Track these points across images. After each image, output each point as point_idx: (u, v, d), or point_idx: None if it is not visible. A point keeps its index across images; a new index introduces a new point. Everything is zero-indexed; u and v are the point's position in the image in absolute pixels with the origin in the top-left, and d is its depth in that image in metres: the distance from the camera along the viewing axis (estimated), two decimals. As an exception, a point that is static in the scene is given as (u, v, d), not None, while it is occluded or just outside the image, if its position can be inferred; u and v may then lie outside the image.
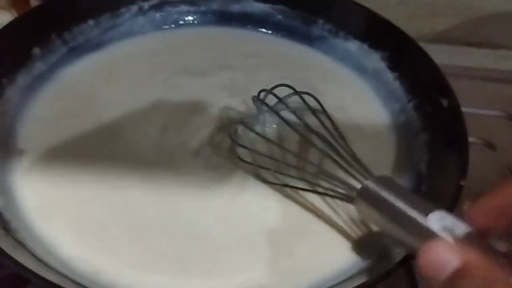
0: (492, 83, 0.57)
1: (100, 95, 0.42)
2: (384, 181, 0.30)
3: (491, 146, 0.49)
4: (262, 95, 0.38)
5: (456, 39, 0.64)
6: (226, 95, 0.43)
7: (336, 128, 0.36)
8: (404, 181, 0.37)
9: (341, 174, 0.33)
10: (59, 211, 0.34)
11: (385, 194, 0.29)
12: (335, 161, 0.33)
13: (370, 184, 0.30)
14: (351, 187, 0.31)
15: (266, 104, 0.38)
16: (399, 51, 0.44)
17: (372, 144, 0.41)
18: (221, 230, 0.34)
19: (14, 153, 0.37)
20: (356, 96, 0.45)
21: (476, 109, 0.52)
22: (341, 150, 0.34)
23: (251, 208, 0.35)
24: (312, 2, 0.48)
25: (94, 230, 0.33)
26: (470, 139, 0.48)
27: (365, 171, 0.32)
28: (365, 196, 0.30)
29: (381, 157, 0.40)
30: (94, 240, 0.33)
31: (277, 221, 0.35)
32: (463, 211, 0.35)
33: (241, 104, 0.42)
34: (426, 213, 0.26)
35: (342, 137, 0.35)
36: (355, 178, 0.32)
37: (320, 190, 0.34)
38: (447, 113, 0.38)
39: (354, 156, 0.33)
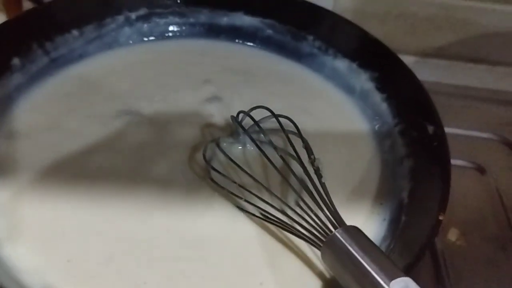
0: (487, 104, 0.56)
1: (78, 109, 0.41)
2: (354, 234, 0.28)
3: (481, 169, 0.47)
4: (240, 116, 0.37)
5: (455, 55, 0.63)
6: (209, 111, 0.42)
7: (312, 160, 0.34)
8: (384, 209, 0.36)
9: (312, 212, 0.32)
10: (26, 230, 0.33)
11: (352, 248, 0.27)
12: (307, 199, 0.32)
13: (339, 235, 0.28)
14: (320, 231, 0.30)
15: (242, 127, 0.37)
16: (389, 72, 0.42)
17: (355, 167, 0.40)
18: (192, 254, 0.33)
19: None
20: (342, 116, 0.43)
21: (468, 131, 0.51)
22: (313, 189, 0.32)
23: (220, 231, 0.34)
24: (303, 18, 0.47)
25: (64, 250, 0.32)
26: (461, 162, 0.48)
27: (337, 217, 0.30)
28: (332, 247, 0.28)
29: (364, 181, 0.38)
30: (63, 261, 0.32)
31: (247, 247, 0.33)
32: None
33: (223, 121, 0.41)
34: (390, 278, 0.25)
35: (318, 173, 0.33)
36: (325, 221, 0.30)
37: (288, 226, 0.32)
38: (432, 140, 0.36)
39: (327, 196, 0.32)
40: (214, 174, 0.36)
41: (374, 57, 0.44)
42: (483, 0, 0.57)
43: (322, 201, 0.31)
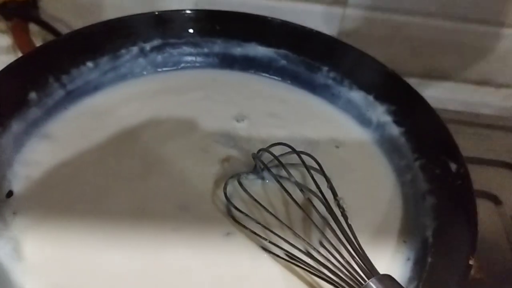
0: (498, 131, 0.55)
1: (93, 141, 0.40)
2: (387, 283, 0.27)
3: (496, 200, 0.47)
4: (260, 153, 0.36)
5: (459, 77, 0.63)
6: (227, 144, 0.41)
7: (338, 201, 0.33)
8: (408, 248, 0.35)
9: (340, 255, 0.30)
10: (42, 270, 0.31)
11: None
12: (333, 240, 0.31)
13: (374, 286, 0.27)
14: (352, 278, 0.29)
15: (265, 165, 0.36)
16: (407, 106, 0.41)
17: (376, 203, 0.39)
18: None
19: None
20: (359, 149, 0.42)
21: (481, 159, 0.51)
22: (340, 231, 0.31)
23: (240, 270, 0.33)
24: (317, 49, 0.46)
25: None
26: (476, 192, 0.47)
27: (368, 263, 0.29)
28: None
29: (385, 218, 0.37)
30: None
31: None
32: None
33: (242, 154, 0.40)
34: None
35: (345, 214, 0.32)
36: (354, 266, 0.29)
37: (315, 269, 0.31)
38: (456, 179, 0.36)
39: (355, 239, 0.31)
40: (235, 211, 0.34)
41: (391, 90, 0.43)
42: (487, 24, 0.57)
43: (350, 244, 0.30)
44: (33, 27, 0.59)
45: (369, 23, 0.58)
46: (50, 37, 0.59)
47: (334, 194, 0.33)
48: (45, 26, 0.59)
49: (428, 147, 0.39)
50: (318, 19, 0.57)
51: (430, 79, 0.64)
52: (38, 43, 0.60)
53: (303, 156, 0.36)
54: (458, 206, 0.34)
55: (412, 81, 0.63)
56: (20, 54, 0.55)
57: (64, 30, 0.60)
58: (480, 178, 0.48)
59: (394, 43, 0.60)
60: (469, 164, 0.49)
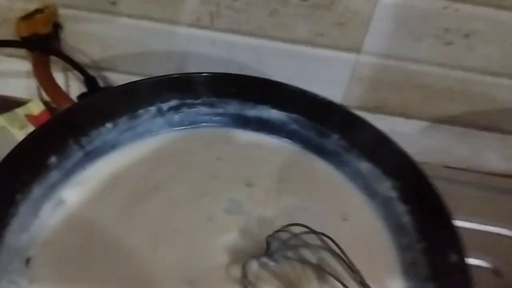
0: (503, 195, 0.55)
1: (105, 206, 0.41)
2: None
3: (497, 272, 0.47)
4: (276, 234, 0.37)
5: (468, 123, 0.63)
6: (234, 213, 0.42)
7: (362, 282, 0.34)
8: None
9: None
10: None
11: None
12: None
13: None
14: None
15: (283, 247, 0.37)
16: (412, 185, 0.42)
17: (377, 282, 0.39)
18: None
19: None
20: (365, 223, 0.43)
21: (486, 226, 0.51)
22: None
23: None
24: (328, 116, 0.47)
25: None
26: (476, 261, 0.48)
27: None
28: None
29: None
30: None
31: None
32: None
33: (250, 225, 0.41)
34: None
35: None
36: None
37: None
38: (455, 270, 0.36)
39: None
40: None
41: (398, 166, 0.43)
42: (499, 76, 0.57)
43: None
44: (53, 57, 0.60)
45: (382, 69, 0.58)
46: (69, 66, 0.61)
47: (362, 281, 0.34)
48: (66, 58, 0.60)
49: (431, 231, 0.39)
50: (332, 62, 0.58)
51: (439, 123, 0.65)
52: (57, 72, 0.62)
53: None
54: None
55: (420, 124, 0.64)
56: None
57: (84, 61, 0.61)
58: (483, 246, 0.49)
59: (405, 89, 0.61)
60: (472, 231, 0.49)
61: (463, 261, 0.36)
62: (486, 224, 0.50)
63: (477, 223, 0.50)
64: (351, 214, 0.43)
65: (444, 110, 0.63)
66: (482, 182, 0.56)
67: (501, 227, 0.51)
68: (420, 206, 0.41)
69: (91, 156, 0.44)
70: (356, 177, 0.46)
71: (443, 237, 0.38)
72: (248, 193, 0.43)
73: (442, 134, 0.65)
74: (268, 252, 0.38)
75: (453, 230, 0.37)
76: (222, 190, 0.43)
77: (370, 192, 0.45)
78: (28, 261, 0.36)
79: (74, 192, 0.41)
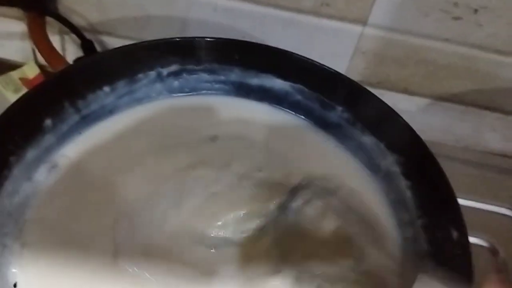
0: (503, 175, 0.55)
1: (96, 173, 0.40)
2: None
3: (494, 251, 0.47)
4: None
5: (470, 101, 0.63)
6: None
7: None
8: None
9: None
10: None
11: None
12: None
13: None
14: None
15: None
16: (417, 161, 0.41)
17: (375, 252, 0.39)
18: None
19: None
20: (365, 196, 0.42)
21: (484, 204, 0.50)
22: None
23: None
24: (334, 88, 0.45)
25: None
26: (474, 239, 0.47)
27: None
28: None
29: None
30: None
31: None
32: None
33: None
34: None
35: None
36: None
37: None
38: (455, 247, 0.36)
39: None
40: None
41: (402, 141, 0.42)
42: (504, 54, 0.56)
43: None
44: (49, 19, 0.58)
45: (386, 43, 0.57)
46: (65, 29, 0.59)
47: None
48: (62, 20, 0.58)
49: (433, 208, 0.39)
50: (337, 34, 0.56)
51: (440, 100, 0.64)
52: (53, 35, 0.60)
53: None
54: (456, 275, 0.34)
55: (423, 101, 0.64)
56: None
57: (80, 23, 0.60)
58: (481, 225, 0.48)
59: (409, 65, 0.60)
60: (470, 209, 0.49)
61: (464, 238, 0.35)
62: (484, 203, 0.50)
63: (475, 201, 0.50)
64: (351, 186, 0.42)
65: (447, 87, 0.62)
66: (481, 161, 0.56)
67: (499, 206, 0.50)
68: (423, 182, 0.40)
69: (88, 120, 0.42)
70: (358, 151, 0.45)
71: (444, 214, 0.37)
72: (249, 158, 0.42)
73: (444, 112, 0.64)
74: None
75: (455, 207, 0.37)
76: (220, 157, 0.42)
77: (374, 166, 0.44)
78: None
79: (68, 156, 0.40)
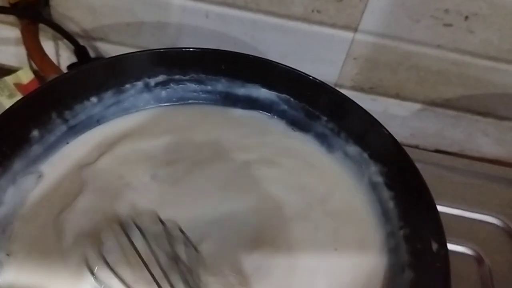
0: (489, 182, 0.55)
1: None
2: None
3: (479, 258, 0.47)
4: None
5: (463, 107, 0.63)
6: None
7: None
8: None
9: None
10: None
11: None
12: None
13: None
14: None
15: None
16: (399, 171, 0.41)
17: (358, 263, 0.39)
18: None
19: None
20: (350, 206, 0.43)
21: (471, 213, 0.51)
22: None
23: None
24: (317, 97, 0.46)
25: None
26: (459, 248, 0.48)
27: None
28: None
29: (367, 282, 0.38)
30: None
31: None
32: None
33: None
34: None
35: None
36: None
37: None
38: (435, 259, 0.36)
39: None
40: None
41: (385, 151, 0.42)
42: (496, 60, 0.56)
43: None
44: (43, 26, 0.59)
45: (378, 49, 0.57)
46: (59, 35, 0.59)
47: None
48: (55, 27, 0.58)
49: (414, 220, 0.39)
50: (328, 40, 0.56)
51: (433, 106, 0.64)
52: (47, 41, 0.60)
53: None
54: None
55: (415, 107, 0.64)
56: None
57: (74, 29, 0.60)
58: (467, 232, 0.49)
59: (401, 70, 0.60)
60: (456, 217, 0.49)
61: (443, 250, 0.35)
62: (471, 211, 0.50)
63: (463, 209, 0.50)
64: (335, 197, 0.43)
65: (439, 93, 0.62)
66: (470, 169, 0.56)
67: (486, 214, 0.50)
68: (405, 192, 0.40)
69: (75, 130, 0.43)
70: (343, 160, 0.45)
71: (425, 225, 0.38)
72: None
73: (436, 117, 0.65)
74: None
75: (436, 218, 0.37)
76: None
77: (358, 176, 0.44)
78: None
79: (55, 167, 0.40)
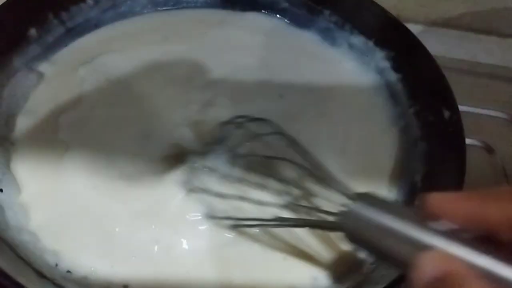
0: (496, 81, 0.55)
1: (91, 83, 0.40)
2: (369, 199, 0.26)
3: (489, 149, 0.47)
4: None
5: (465, 26, 0.62)
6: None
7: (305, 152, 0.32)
8: (397, 191, 0.36)
9: (318, 200, 0.31)
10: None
11: (375, 213, 0.25)
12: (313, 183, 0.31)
13: (358, 205, 0.26)
14: (333, 213, 0.28)
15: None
16: (405, 53, 0.41)
17: (369, 147, 0.39)
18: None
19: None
20: (357, 94, 0.42)
21: (477, 109, 0.50)
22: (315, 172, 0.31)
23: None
24: (320, -9, 0.45)
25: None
26: (469, 141, 0.47)
27: (345, 191, 0.28)
28: (355, 219, 0.26)
29: (379, 163, 0.38)
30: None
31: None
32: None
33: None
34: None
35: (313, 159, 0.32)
36: (334, 201, 0.28)
37: (302, 222, 0.31)
38: (448, 126, 0.36)
39: (330, 176, 0.30)
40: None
41: (391, 35, 0.42)
42: None
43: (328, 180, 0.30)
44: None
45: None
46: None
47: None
48: None
49: (423, 94, 0.38)
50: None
51: (434, 26, 0.63)
52: None
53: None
54: (448, 153, 0.35)
55: (416, 28, 0.63)
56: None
57: None
58: (476, 127, 0.48)
59: (400, -12, 0.59)
60: (465, 113, 0.49)
61: (455, 115, 0.35)
62: (479, 107, 0.49)
63: (471, 106, 0.49)
64: (343, 86, 0.42)
65: (440, 12, 0.61)
66: (476, 70, 0.55)
67: (493, 109, 0.50)
68: (413, 72, 0.40)
69: (73, 33, 0.42)
70: (348, 51, 0.44)
71: (434, 96, 0.37)
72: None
73: (438, 38, 0.63)
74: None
75: (446, 86, 0.36)
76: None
77: (363, 65, 0.43)
78: None
79: (55, 67, 0.40)
